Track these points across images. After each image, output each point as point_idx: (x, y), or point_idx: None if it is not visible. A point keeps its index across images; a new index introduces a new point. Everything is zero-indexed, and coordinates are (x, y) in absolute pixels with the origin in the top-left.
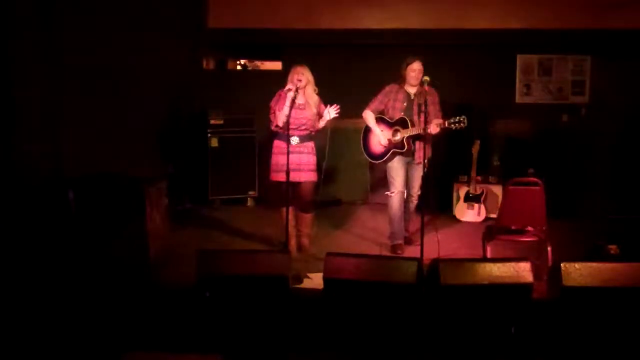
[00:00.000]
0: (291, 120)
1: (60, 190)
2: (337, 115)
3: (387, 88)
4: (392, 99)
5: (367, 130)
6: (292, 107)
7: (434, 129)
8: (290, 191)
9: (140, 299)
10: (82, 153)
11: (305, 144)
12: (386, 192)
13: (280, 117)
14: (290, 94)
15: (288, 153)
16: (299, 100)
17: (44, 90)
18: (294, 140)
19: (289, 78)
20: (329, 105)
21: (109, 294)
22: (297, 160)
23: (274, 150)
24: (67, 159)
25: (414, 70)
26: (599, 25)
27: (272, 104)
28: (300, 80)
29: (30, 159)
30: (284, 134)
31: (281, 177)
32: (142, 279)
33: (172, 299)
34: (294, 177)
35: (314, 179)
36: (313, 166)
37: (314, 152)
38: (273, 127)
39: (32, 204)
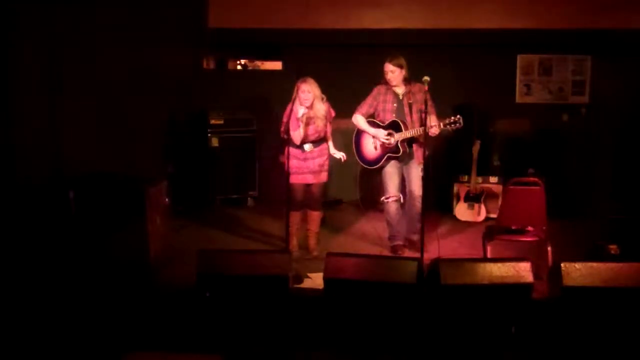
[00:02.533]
0: (304, 136)
1: (60, 190)
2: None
3: (375, 90)
4: (381, 101)
5: (359, 135)
6: (306, 125)
7: (434, 131)
8: (304, 192)
9: (141, 299)
10: (82, 153)
11: (320, 147)
12: (382, 198)
13: (295, 138)
14: (303, 116)
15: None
16: (308, 115)
17: (44, 90)
18: (308, 147)
19: (295, 94)
20: (343, 157)
21: (109, 294)
22: (317, 163)
23: (292, 155)
24: (67, 159)
25: (386, 72)
26: (599, 25)
27: (285, 118)
28: (307, 100)
29: (30, 159)
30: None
31: (303, 179)
32: (142, 279)
33: (172, 299)
34: (314, 179)
35: (327, 178)
36: (327, 166)
37: (327, 151)
38: (283, 136)
39: (32, 203)
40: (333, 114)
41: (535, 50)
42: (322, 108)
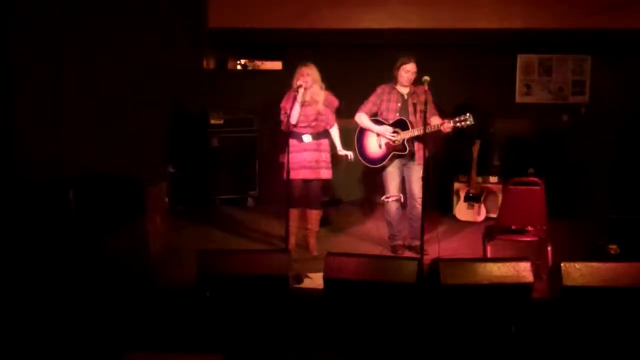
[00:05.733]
0: (301, 117)
1: (60, 190)
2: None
3: (379, 89)
4: (385, 100)
5: (362, 133)
6: (301, 105)
7: (447, 125)
8: (302, 189)
9: (141, 299)
10: (82, 153)
11: (320, 140)
12: (382, 198)
13: (293, 115)
14: (299, 94)
15: (290, 151)
16: (304, 97)
17: (44, 90)
18: (307, 138)
19: (295, 79)
20: (349, 155)
21: (109, 294)
22: (314, 158)
23: (290, 149)
24: (67, 159)
25: (407, 71)
26: (599, 25)
27: (283, 104)
28: (305, 82)
29: (30, 159)
30: (296, 132)
31: (300, 174)
32: (142, 279)
33: (172, 299)
34: (311, 174)
35: (329, 176)
36: (329, 163)
37: (329, 149)
38: (283, 127)
39: (32, 204)
40: (337, 102)
41: (535, 50)
42: (320, 93)
